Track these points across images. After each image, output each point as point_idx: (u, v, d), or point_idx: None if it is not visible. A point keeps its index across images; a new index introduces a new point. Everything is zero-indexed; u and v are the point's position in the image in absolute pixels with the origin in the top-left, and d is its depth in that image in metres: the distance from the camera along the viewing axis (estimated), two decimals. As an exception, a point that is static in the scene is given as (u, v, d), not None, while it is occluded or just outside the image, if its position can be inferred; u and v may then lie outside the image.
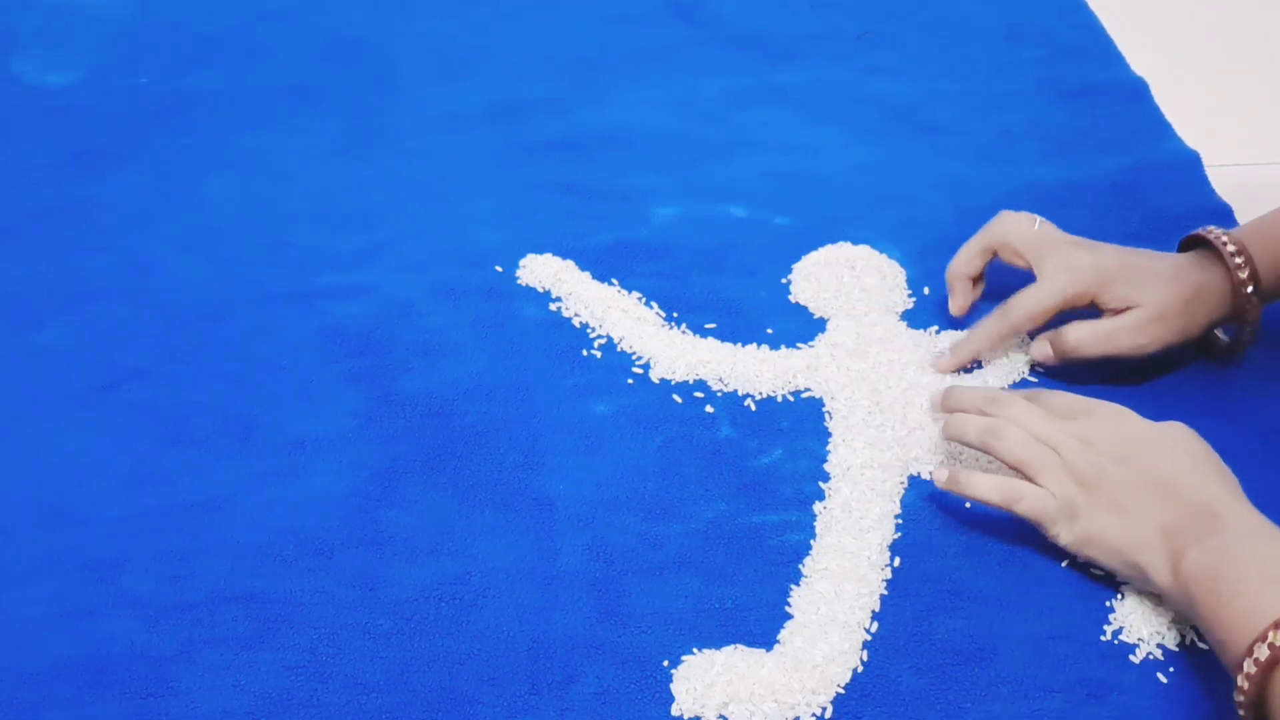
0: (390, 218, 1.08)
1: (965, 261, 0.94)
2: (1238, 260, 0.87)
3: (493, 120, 1.19)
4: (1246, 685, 0.65)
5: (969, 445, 0.83)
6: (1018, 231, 0.92)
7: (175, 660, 0.76)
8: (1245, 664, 0.65)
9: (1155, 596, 0.77)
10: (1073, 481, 0.78)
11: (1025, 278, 0.92)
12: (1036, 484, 0.79)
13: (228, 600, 0.79)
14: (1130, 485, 0.76)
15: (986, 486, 0.80)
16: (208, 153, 1.16)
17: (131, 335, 0.97)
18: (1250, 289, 0.87)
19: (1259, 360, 0.92)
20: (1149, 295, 0.87)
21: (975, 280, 0.95)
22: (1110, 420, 0.80)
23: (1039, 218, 0.92)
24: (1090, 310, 0.90)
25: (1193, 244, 0.90)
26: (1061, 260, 0.90)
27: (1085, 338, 0.88)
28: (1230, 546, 0.70)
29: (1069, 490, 0.78)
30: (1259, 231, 0.88)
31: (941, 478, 0.82)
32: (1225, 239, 0.88)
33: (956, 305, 0.95)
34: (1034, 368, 0.93)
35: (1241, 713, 0.66)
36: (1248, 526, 0.72)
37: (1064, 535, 0.78)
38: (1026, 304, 0.90)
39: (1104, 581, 0.79)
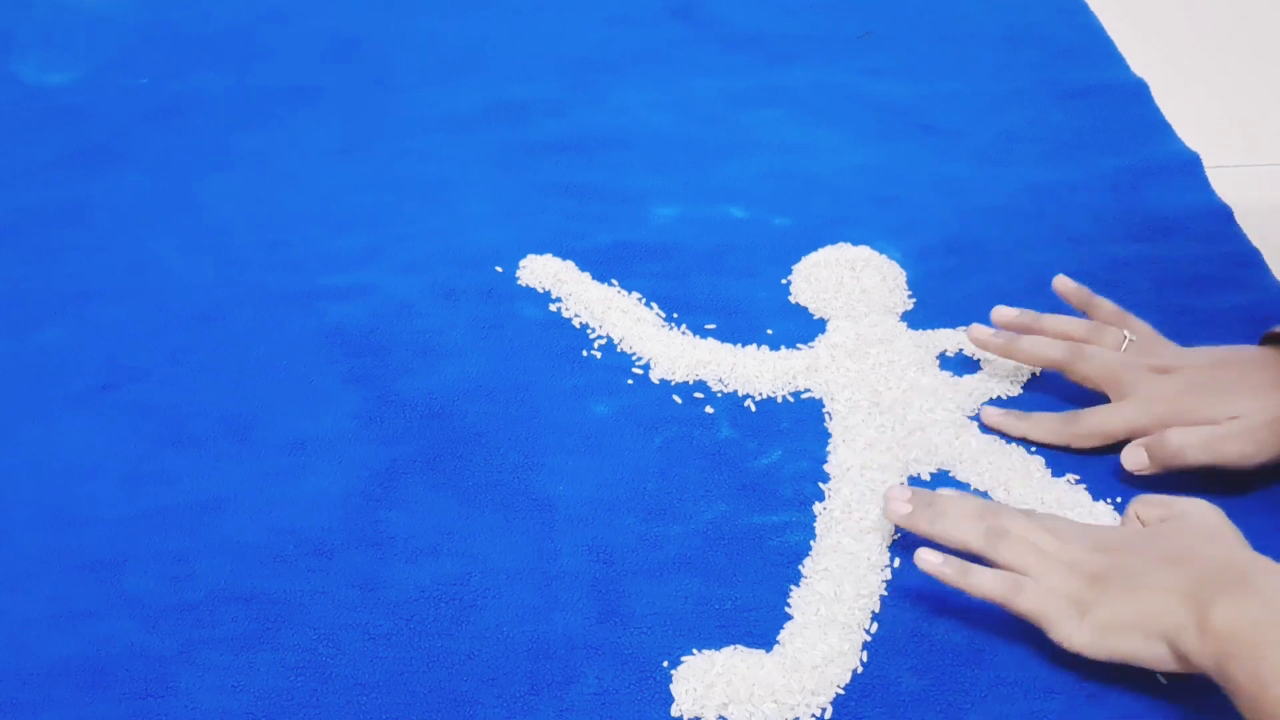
0: (390, 218, 1.08)
1: (1032, 344, 0.88)
2: None
3: (493, 120, 1.19)
4: None
5: (968, 549, 0.75)
6: (1097, 362, 0.86)
7: (175, 660, 0.76)
8: None
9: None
10: (1080, 579, 0.72)
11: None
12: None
13: (228, 600, 0.79)
14: (1143, 565, 0.70)
15: (987, 578, 0.74)
16: (208, 153, 1.16)
17: (131, 335, 0.97)
18: None
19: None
20: (1243, 407, 0.81)
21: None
22: (1117, 528, 0.76)
23: (1130, 333, 0.87)
24: None
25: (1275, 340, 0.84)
26: (1141, 392, 0.84)
27: (1189, 444, 0.80)
28: (1266, 601, 0.65)
29: (1076, 586, 0.72)
30: None
31: (933, 561, 0.75)
32: None
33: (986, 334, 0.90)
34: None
35: None
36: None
37: (1075, 634, 0.71)
38: (1096, 424, 0.85)
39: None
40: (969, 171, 1.12)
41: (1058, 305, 0.98)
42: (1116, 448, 0.84)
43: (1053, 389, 0.91)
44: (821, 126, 1.18)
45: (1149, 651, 0.69)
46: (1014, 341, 0.89)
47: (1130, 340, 0.87)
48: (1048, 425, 0.87)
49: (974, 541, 0.75)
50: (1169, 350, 0.87)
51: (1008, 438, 0.87)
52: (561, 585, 0.80)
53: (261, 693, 0.74)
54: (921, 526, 0.77)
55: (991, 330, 0.90)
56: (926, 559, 0.75)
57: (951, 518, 0.76)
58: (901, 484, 0.82)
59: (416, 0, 1.36)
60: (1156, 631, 0.68)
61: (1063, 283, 0.92)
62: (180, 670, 0.75)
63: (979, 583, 0.74)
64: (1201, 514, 0.73)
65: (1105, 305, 0.90)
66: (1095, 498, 0.84)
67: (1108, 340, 0.87)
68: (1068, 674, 0.74)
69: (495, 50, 1.29)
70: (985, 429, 0.88)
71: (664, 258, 1.03)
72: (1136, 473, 0.83)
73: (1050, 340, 0.88)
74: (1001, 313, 0.90)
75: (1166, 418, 0.82)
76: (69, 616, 0.78)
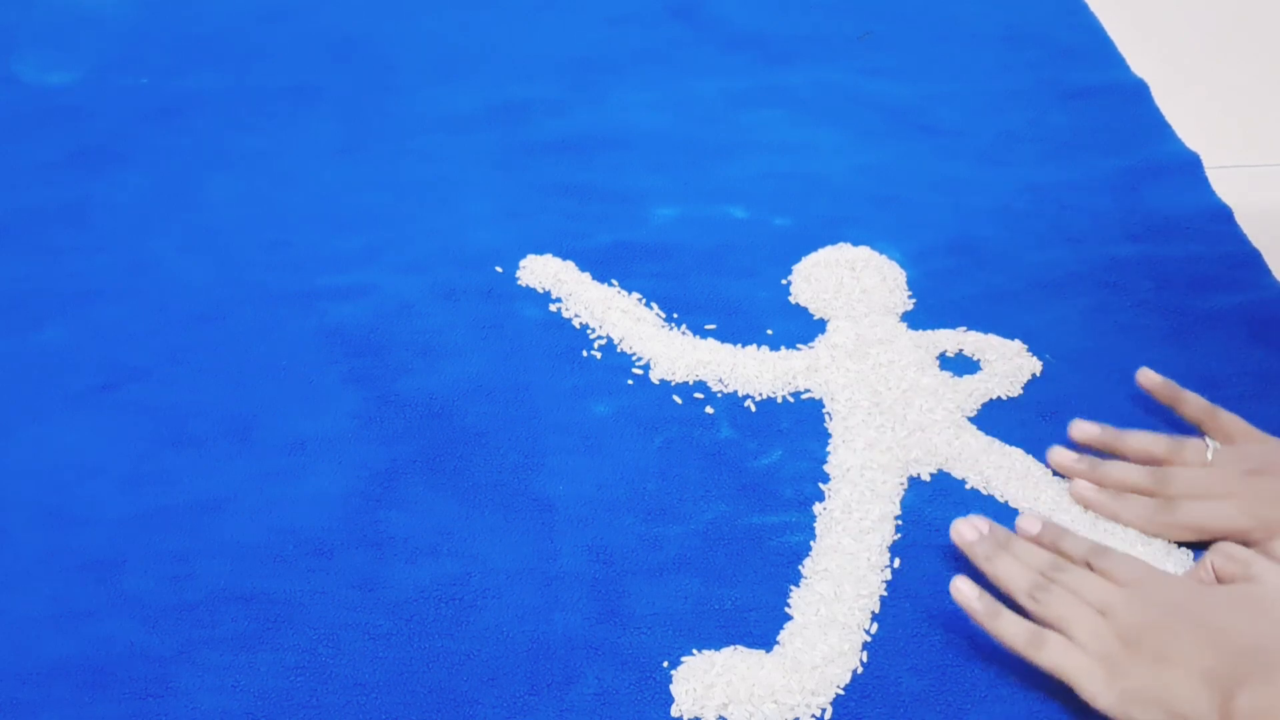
0: (390, 218, 1.08)
1: (1116, 471, 0.83)
2: None
3: (493, 120, 1.19)
4: None
5: (1012, 596, 0.75)
6: (1186, 484, 0.81)
7: (175, 660, 0.76)
8: None
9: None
10: (1113, 637, 0.70)
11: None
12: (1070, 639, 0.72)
13: (228, 600, 0.79)
14: (1174, 634, 0.69)
15: (1012, 627, 0.73)
16: (208, 153, 1.16)
17: (131, 335, 0.97)
18: None
19: None
20: None
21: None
22: (1173, 581, 0.73)
23: (1212, 440, 0.83)
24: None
25: None
26: (1240, 496, 0.79)
27: None
28: None
29: (1108, 645, 0.70)
30: None
31: (967, 594, 0.74)
32: None
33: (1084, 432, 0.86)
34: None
35: None
36: None
37: (1101, 696, 0.69)
38: (1194, 518, 0.80)
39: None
40: (969, 171, 1.12)
41: (1059, 315, 0.98)
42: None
43: (1054, 390, 0.91)
44: (821, 126, 1.18)
45: None
46: (1097, 469, 0.84)
47: (1215, 449, 0.82)
48: (1141, 510, 0.82)
49: (1018, 590, 0.74)
50: (1258, 447, 0.83)
51: (1007, 438, 0.88)
52: (561, 585, 0.80)
53: (261, 693, 0.74)
54: (978, 560, 0.76)
55: (1074, 455, 0.85)
56: (961, 590, 0.75)
57: (1006, 559, 0.75)
58: (982, 516, 0.78)
59: (416, 0, 1.36)
60: (1179, 713, 0.67)
61: (1148, 378, 0.87)
62: (180, 670, 0.75)
63: (1002, 628, 0.73)
64: (1275, 585, 0.70)
65: (1193, 400, 0.86)
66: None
67: (1190, 456, 0.83)
68: (1068, 674, 0.74)
69: (495, 50, 1.29)
70: (982, 429, 0.88)
71: (664, 258, 1.03)
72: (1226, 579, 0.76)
73: (1136, 468, 0.83)
74: (1081, 430, 0.86)
75: (1270, 521, 0.78)
76: (69, 616, 0.78)
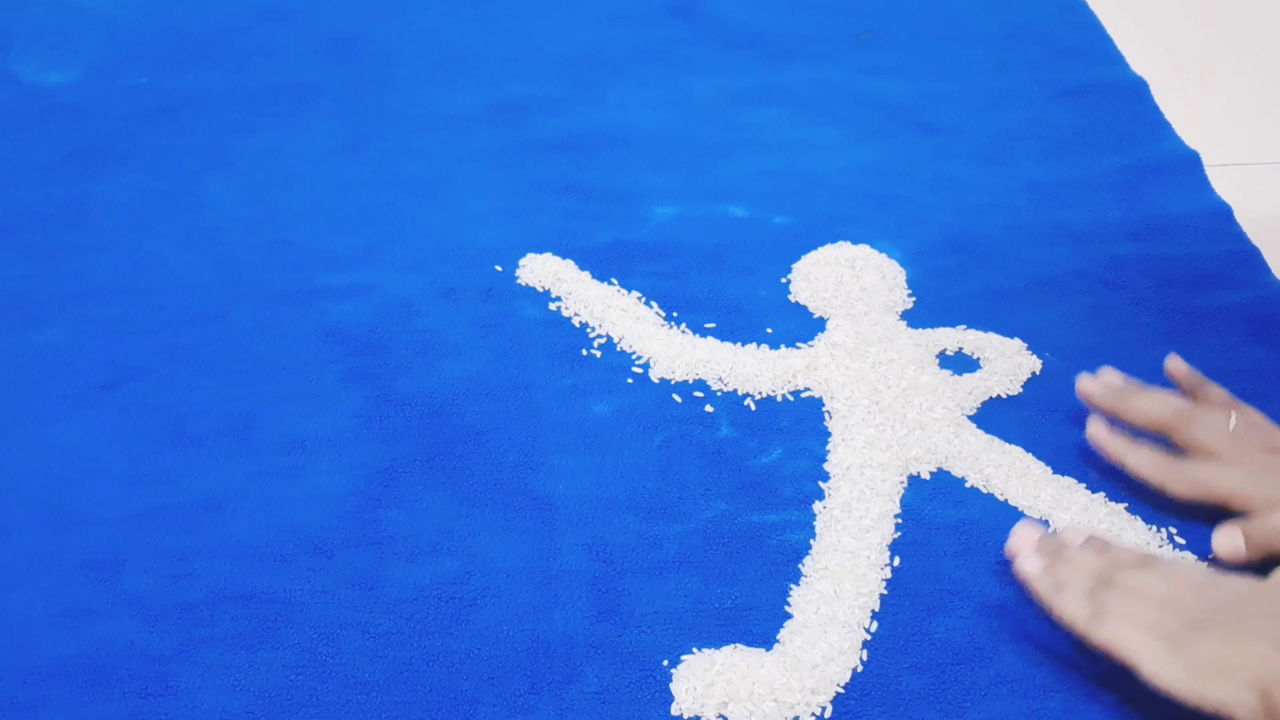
0: (390, 218, 1.08)
1: (1141, 400, 0.84)
2: None
3: (493, 120, 1.19)
4: None
5: (1065, 611, 0.72)
6: (1209, 428, 0.81)
7: (175, 660, 0.76)
8: None
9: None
10: (1178, 621, 0.69)
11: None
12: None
13: (228, 600, 0.79)
14: (1249, 615, 0.68)
15: (1070, 602, 0.72)
16: (208, 153, 1.16)
17: (131, 335, 0.97)
18: None
19: None
20: None
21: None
22: (1232, 576, 0.72)
23: (1238, 415, 0.82)
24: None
25: None
26: (1250, 463, 0.80)
27: None
28: None
29: (1172, 626, 0.69)
30: None
31: (1032, 568, 0.74)
32: None
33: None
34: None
35: None
36: None
37: (1165, 670, 0.68)
38: (1200, 476, 0.80)
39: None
40: (968, 170, 1.12)
41: (1058, 314, 0.98)
42: (1205, 514, 0.81)
43: (1054, 388, 0.91)
44: (821, 125, 1.18)
45: (1237, 700, 0.66)
46: (1122, 399, 0.84)
47: (1238, 422, 0.82)
48: (1149, 459, 0.82)
49: (1079, 588, 0.72)
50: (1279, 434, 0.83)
51: (1007, 436, 0.88)
52: (561, 584, 0.80)
53: (261, 692, 0.74)
54: (1042, 591, 0.74)
55: (1100, 384, 0.85)
56: (1023, 559, 0.75)
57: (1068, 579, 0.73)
58: (1031, 527, 0.77)
59: (416, 0, 1.36)
60: (1251, 681, 0.66)
61: (1175, 364, 0.87)
62: (180, 669, 0.75)
63: (1063, 605, 0.72)
64: None
65: (1216, 391, 0.85)
66: (1092, 492, 0.84)
67: (1215, 417, 0.83)
68: (1067, 672, 0.74)
69: (495, 49, 1.29)
70: (982, 427, 0.88)
71: (664, 257, 1.03)
72: (1229, 559, 0.77)
73: (1161, 400, 0.84)
74: (1109, 375, 0.86)
75: (1274, 494, 0.78)
76: (69, 616, 0.78)
